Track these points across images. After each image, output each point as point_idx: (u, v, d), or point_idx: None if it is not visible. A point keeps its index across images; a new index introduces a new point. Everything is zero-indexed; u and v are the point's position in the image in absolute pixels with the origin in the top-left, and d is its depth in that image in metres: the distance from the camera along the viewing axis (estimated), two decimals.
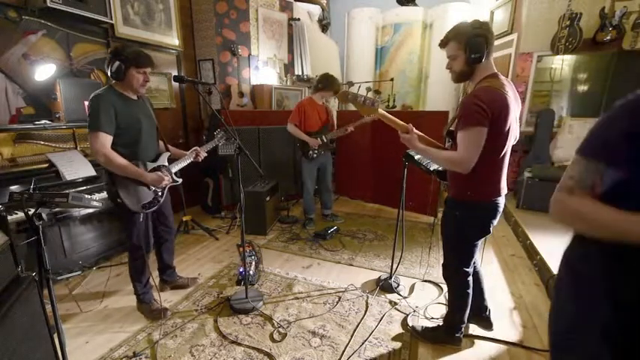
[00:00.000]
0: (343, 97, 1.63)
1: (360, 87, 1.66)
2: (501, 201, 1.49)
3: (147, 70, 1.74)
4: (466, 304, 1.68)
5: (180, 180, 1.98)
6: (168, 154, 2.00)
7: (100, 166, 2.39)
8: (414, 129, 1.51)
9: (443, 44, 1.42)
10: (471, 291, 1.66)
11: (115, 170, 1.67)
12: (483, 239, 1.63)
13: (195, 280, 2.35)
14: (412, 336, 1.82)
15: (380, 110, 1.56)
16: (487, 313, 1.82)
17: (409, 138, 1.49)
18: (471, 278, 1.65)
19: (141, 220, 1.79)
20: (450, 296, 1.74)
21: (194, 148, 2.07)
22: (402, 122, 1.52)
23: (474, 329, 1.87)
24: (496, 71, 1.39)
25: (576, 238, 0.87)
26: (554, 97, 4.09)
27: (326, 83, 3.13)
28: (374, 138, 4.02)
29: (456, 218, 1.55)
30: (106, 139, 1.65)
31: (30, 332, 1.13)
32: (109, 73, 1.69)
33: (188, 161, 2.04)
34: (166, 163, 1.95)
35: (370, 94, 1.60)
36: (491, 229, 1.53)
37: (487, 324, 1.83)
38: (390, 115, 1.54)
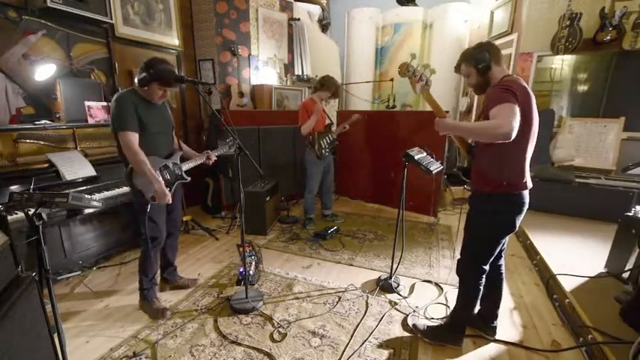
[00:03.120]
0: (404, 68, 1.69)
1: (419, 64, 1.70)
2: (527, 196, 1.53)
3: (168, 88, 1.84)
4: (475, 302, 1.68)
5: (188, 178, 2.06)
6: (180, 152, 2.09)
7: (100, 165, 2.43)
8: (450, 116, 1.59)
9: (457, 68, 1.62)
10: (482, 289, 1.66)
11: (134, 166, 1.75)
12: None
13: (195, 281, 2.35)
14: (414, 334, 1.82)
15: (429, 91, 1.68)
16: (495, 323, 1.82)
17: (441, 120, 1.56)
18: (484, 276, 1.64)
19: (148, 209, 1.81)
20: (460, 293, 1.72)
21: (206, 151, 2.18)
22: (442, 108, 1.63)
23: (472, 331, 1.87)
24: (509, 73, 1.51)
25: None
26: (554, 97, 4.09)
27: (323, 83, 3.16)
28: (374, 138, 4.03)
29: (487, 214, 1.54)
30: (133, 137, 1.75)
31: (30, 332, 1.13)
32: (135, 79, 1.81)
33: (199, 162, 2.13)
34: (178, 162, 2.03)
35: (427, 72, 1.66)
36: (517, 224, 1.55)
37: (492, 333, 1.82)
38: (434, 98, 1.66)
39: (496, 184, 1.49)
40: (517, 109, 1.30)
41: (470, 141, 1.70)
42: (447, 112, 1.60)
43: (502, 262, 1.77)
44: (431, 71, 1.69)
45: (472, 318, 1.85)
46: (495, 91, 1.39)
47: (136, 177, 1.78)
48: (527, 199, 1.53)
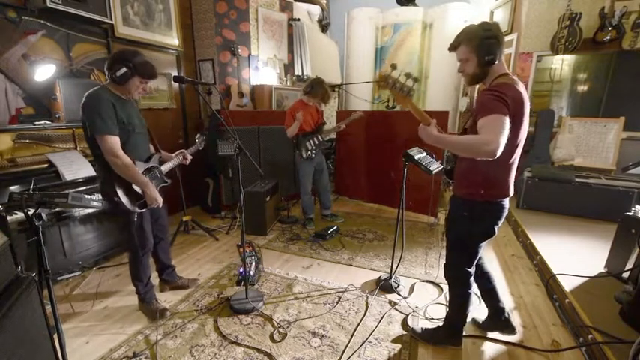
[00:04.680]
0: (383, 80, 1.60)
1: (401, 73, 1.62)
2: (507, 203, 1.49)
3: (149, 81, 1.77)
4: (467, 304, 1.67)
5: (169, 182, 2.01)
6: (159, 155, 2.02)
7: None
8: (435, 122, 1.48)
9: (453, 48, 1.42)
10: (472, 291, 1.66)
11: (122, 174, 1.66)
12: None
13: (195, 280, 2.35)
14: (412, 338, 1.82)
15: (412, 101, 1.57)
16: (506, 315, 1.78)
17: (425, 129, 1.45)
18: (472, 279, 1.64)
19: (135, 218, 1.78)
20: (451, 296, 1.73)
21: (180, 150, 2.13)
22: (427, 115, 1.51)
23: (472, 330, 1.87)
24: (507, 71, 1.39)
25: None
26: (554, 97, 4.09)
27: (312, 88, 3.15)
28: (374, 138, 4.03)
29: (464, 219, 1.52)
30: (117, 141, 1.66)
31: (30, 332, 1.13)
32: (109, 75, 1.67)
33: (176, 163, 2.08)
34: (158, 165, 1.97)
35: (409, 81, 1.58)
36: (496, 230, 1.52)
37: (509, 328, 1.78)
38: (418, 107, 1.55)
39: (473, 191, 1.46)
40: (507, 122, 1.22)
41: None
42: (434, 121, 1.51)
43: (483, 258, 1.75)
44: (414, 80, 1.60)
45: (485, 323, 1.85)
46: (487, 97, 1.28)
47: (118, 187, 1.68)
48: (506, 206, 1.49)
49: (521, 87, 1.35)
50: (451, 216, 1.61)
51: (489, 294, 1.80)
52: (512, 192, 1.47)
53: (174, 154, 2.10)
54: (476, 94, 5.03)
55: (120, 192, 1.69)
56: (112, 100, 1.67)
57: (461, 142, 1.32)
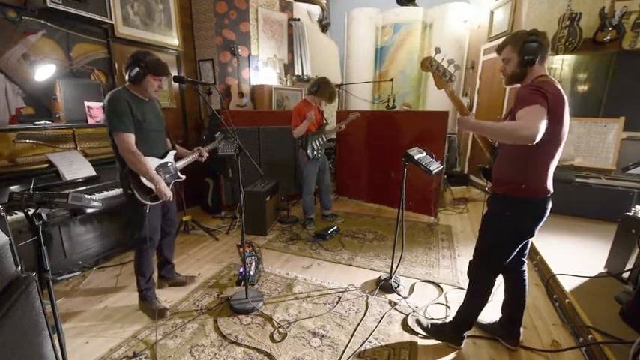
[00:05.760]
0: (427, 62, 1.64)
1: (444, 57, 1.66)
2: (549, 204, 1.47)
3: (162, 78, 1.85)
4: (484, 304, 1.65)
5: (183, 177, 2.07)
6: (175, 152, 2.09)
7: (100, 166, 2.43)
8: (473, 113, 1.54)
9: (500, 49, 1.50)
10: (491, 292, 1.63)
11: (135, 169, 1.75)
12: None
13: (193, 277, 2.36)
14: (415, 332, 1.83)
15: (451, 87, 1.62)
16: (518, 332, 1.74)
17: (464, 119, 1.48)
18: (495, 280, 1.61)
19: (147, 211, 1.82)
20: (468, 293, 1.69)
21: (197, 148, 2.19)
22: (465, 106, 1.56)
23: (472, 330, 1.87)
24: (547, 73, 1.42)
25: None
26: None
27: (319, 88, 3.15)
28: (374, 138, 4.03)
29: (505, 218, 1.49)
30: (131, 139, 1.74)
31: (29, 333, 1.13)
32: (126, 77, 1.78)
33: (192, 160, 2.14)
34: (173, 161, 2.03)
35: (451, 67, 1.61)
36: (535, 232, 1.50)
37: (514, 342, 1.74)
38: (458, 96, 1.60)
39: (514, 186, 1.44)
40: (545, 112, 1.25)
41: (496, 144, 1.62)
42: (472, 112, 1.57)
43: (524, 267, 1.70)
44: (456, 67, 1.63)
45: (492, 326, 1.83)
46: (525, 91, 1.32)
47: (132, 179, 1.77)
48: (548, 206, 1.46)
49: (559, 87, 1.37)
50: (489, 214, 1.57)
51: (515, 305, 1.74)
52: (551, 189, 1.45)
53: (191, 151, 2.16)
54: (476, 95, 5.04)
55: (133, 185, 1.78)
56: (128, 99, 1.76)
57: (499, 127, 1.35)
